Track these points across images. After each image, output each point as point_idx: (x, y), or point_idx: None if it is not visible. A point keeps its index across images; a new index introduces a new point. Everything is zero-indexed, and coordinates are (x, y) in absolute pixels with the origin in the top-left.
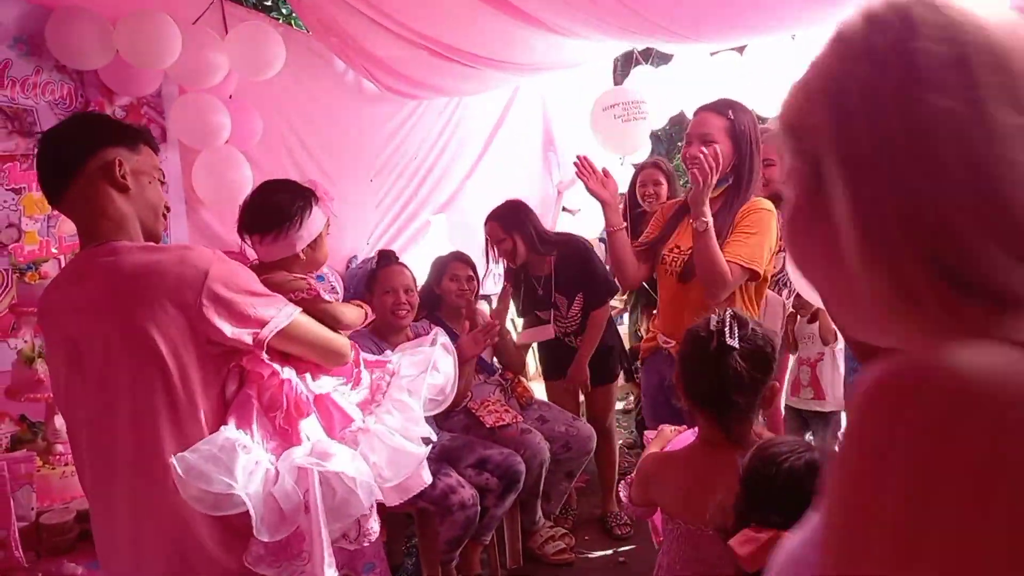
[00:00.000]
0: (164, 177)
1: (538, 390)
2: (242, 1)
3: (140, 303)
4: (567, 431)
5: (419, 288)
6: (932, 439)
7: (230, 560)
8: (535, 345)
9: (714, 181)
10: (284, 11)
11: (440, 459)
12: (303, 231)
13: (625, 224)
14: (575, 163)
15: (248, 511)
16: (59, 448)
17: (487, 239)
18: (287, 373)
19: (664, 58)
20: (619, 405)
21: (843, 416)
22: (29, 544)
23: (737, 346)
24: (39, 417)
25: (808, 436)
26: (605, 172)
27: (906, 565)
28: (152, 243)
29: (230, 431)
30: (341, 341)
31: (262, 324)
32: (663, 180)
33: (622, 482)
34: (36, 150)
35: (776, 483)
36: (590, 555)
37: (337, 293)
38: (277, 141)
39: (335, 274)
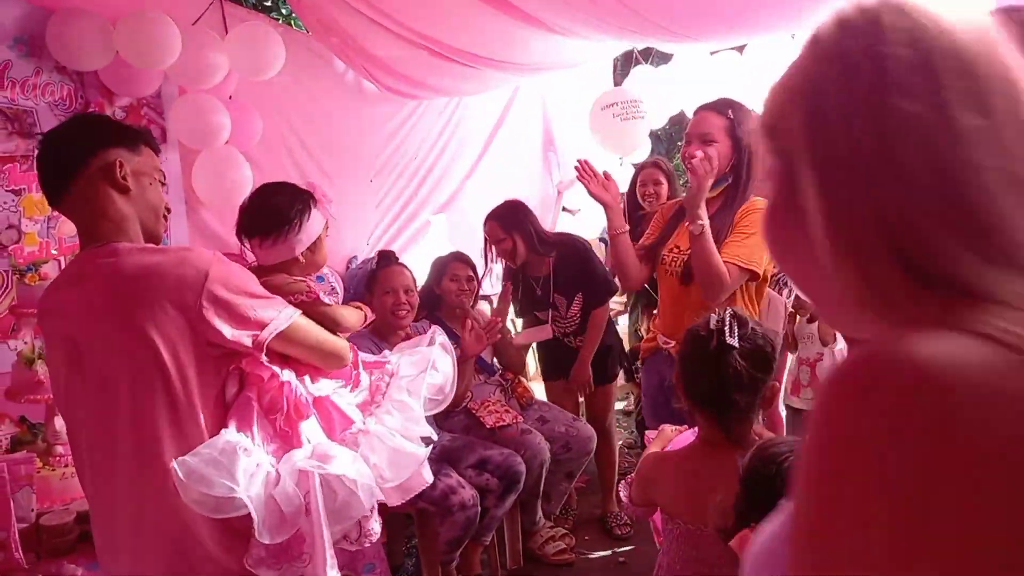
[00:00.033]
0: (165, 178)
1: (538, 390)
2: (242, 1)
3: (140, 304)
4: (567, 431)
5: (419, 288)
6: (891, 428)
7: (231, 561)
8: (535, 345)
9: (709, 185)
10: (284, 11)
11: (440, 460)
12: (302, 234)
13: (627, 228)
14: (576, 167)
15: (249, 513)
16: (59, 449)
17: (486, 239)
18: (287, 375)
19: (664, 58)
20: (620, 406)
21: None
22: (29, 545)
23: (737, 345)
24: (39, 418)
25: None
26: (606, 175)
27: (866, 550)
28: (152, 244)
29: (230, 434)
30: (340, 344)
31: (262, 326)
32: (663, 180)
33: (622, 482)
34: (37, 151)
35: (776, 483)
36: (590, 555)
37: (337, 294)
38: (277, 141)
39: (335, 275)
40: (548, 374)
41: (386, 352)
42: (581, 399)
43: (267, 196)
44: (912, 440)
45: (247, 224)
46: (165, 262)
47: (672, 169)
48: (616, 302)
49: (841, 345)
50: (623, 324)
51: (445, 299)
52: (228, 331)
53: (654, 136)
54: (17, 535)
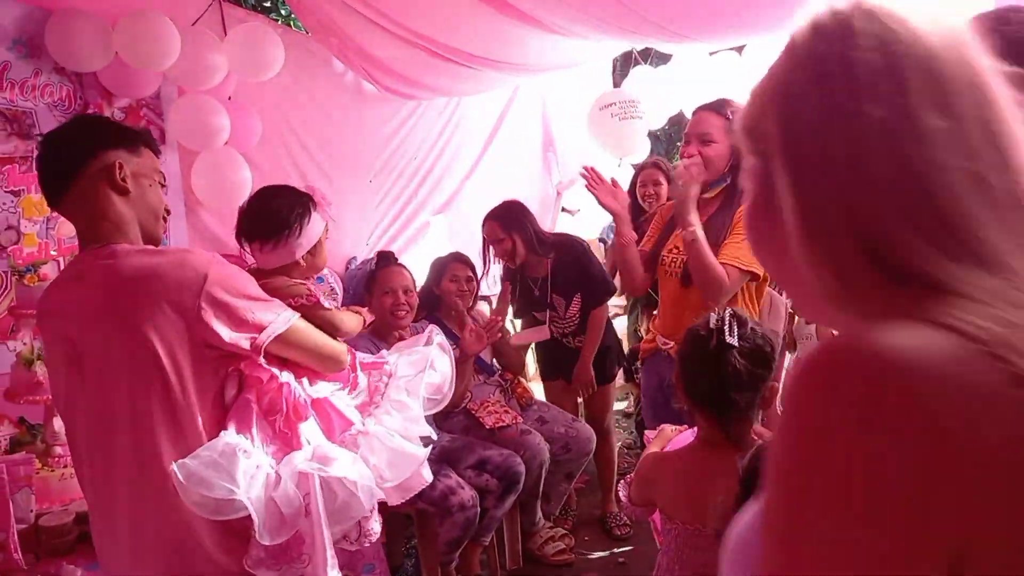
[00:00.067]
0: (165, 180)
1: (537, 391)
2: (241, 2)
3: (139, 306)
4: (566, 432)
5: (418, 289)
6: (859, 418)
7: (230, 562)
8: (534, 345)
9: (696, 191)
10: (283, 12)
11: (440, 460)
12: (303, 238)
13: (636, 237)
14: (583, 175)
15: (249, 514)
16: (58, 450)
17: (484, 239)
18: (286, 377)
19: (663, 58)
20: (619, 407)
21: None
22: (28, 546)
23: (736, 344)
24: (38, 419)
25: None
26: (614, 182)
27: (837, 539)
28: (151, 246)
29: (230, 436)
30: (338, 347)
31: (260, 329)
32: (663, 180)
33: (621, 482)
34: (36, 152)
35: None
36: (590, 555)
37: (336, 295)
38: (276, 142)
39: (334, 275)
40: (547, 374)
41: (384, 352)
42: (580, 400)
43: (267, 200)
44: (880, 429)
45: (247, 228)
46: (164, 264)
47: (672, 169)
48: (615, 305)
49: None
50: (620, 324)
51: (444, 299)
52: (226, 333)
53: (653, 136)
54: (16, 536)
